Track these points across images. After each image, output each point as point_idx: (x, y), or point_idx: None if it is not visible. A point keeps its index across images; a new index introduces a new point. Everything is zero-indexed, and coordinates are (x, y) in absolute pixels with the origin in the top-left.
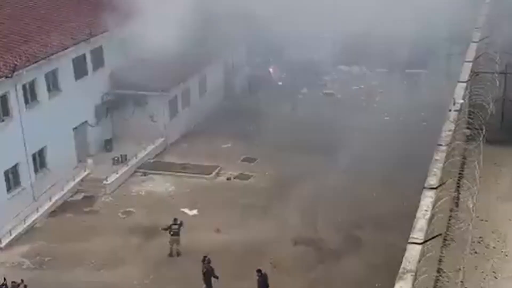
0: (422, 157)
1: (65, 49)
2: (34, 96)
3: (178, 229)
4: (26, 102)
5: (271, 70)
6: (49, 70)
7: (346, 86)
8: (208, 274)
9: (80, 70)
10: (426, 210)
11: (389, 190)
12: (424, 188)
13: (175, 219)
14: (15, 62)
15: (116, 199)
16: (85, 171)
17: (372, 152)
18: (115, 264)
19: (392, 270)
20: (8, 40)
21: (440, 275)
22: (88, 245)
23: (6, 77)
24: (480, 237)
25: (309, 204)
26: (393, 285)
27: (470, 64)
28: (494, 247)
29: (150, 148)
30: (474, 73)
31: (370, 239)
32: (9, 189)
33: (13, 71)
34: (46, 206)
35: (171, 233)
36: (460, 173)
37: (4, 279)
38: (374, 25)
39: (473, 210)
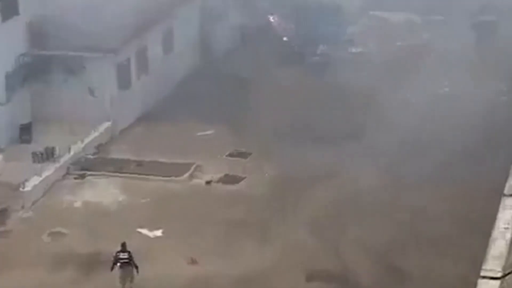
0: (499, 149)
1: None
2: None
3: (130, 258)
4: None
5: (272, 19)
6: None
7: (383, 41)
8: None
9: None
10: (507, 228)
11: (446, 196)
12: (504, 195)
13: (123, 245)
14: None
15: (38, 214)
16: None
17: (422, 140)
18: None
19: None
20: None
21: None
22: None
23: None
24: None
25: (327, 218)
26: None
27: None
28: None
29: (89, 137)
30: None
31: (418, 271)
32: None
33: None
34: None
35: (119, 264)
36: None
37: None
38: None
39: None
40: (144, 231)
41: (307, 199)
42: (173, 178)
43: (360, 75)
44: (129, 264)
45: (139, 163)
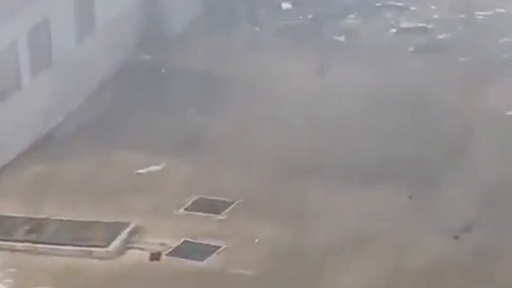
0: None
1: None
2: None
3: None
4: None
5: None
6: None
7: (446, 13)
8: None
9: None
10: None
11: None
12: None
13: None
14: None
15: None
16: None
17: None
18: None
19: None
20: None
21: None
22: None
23: None
24: None
25: None
26: None
27: None
28: None
29: None
30: None
31: None
32: None
33: None
34: None
35: None
36: None
37: None
38: None
39: None
40: None
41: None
42: (92, 250)
43: (412, 67)
44: None
45: (36, 225)
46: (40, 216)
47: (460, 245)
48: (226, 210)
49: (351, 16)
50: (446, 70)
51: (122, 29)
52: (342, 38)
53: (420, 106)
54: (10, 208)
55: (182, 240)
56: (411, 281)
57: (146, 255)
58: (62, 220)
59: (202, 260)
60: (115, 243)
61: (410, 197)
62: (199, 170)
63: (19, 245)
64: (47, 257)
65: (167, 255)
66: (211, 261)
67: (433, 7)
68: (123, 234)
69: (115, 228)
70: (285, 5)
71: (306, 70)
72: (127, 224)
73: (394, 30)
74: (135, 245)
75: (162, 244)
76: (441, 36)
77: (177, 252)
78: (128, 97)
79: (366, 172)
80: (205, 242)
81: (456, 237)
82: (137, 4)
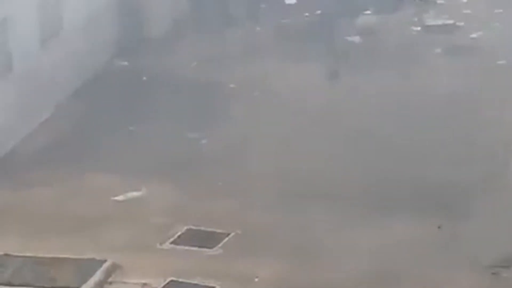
0: None
1: None
2: None
3: None
4: None
5: None
6: None
7: (479, 7)
8: None
9: None
10: None
11: None
12: None
13: None
14: None
15: None
16: None
17: None
18: None
19: None
20: None
21: None
22: None
23: None
24: None
25: None
26: None
27: None
28: None
29: None
30: None
31: None
32: None
33: None
34: None
35: None
36: None
37: None
38: None
39: None
40: None
41: None
42: None
43: (450, 72)
44: None
45: None
46: None
47: (500, 283)
48: (220, 244)
49: (367, 12)
50: (480, 75)
51: (95, 30)
52: (356, 39)
53: (450, 118)
54: None
55: (168, 280)
56: None
57: None
58: (25, 257)
59: None
60: (89, 284)
61: (439, 227)
62: (187, 197)
63: None
64: None
65: None
66: None
67: (464, 0)
68: (98, 274)
69: (88, 267)
70: (289, 0)
71: (314, 78)
72: (102, 262)
73: (418, 28)
74: (112, 287)
75: (144, 285)
76: (474, 35)
77: None
78: (103, 110)
79: (385, 198)
80: (195, 282)
81: (494, 274)
82: (112, 1)
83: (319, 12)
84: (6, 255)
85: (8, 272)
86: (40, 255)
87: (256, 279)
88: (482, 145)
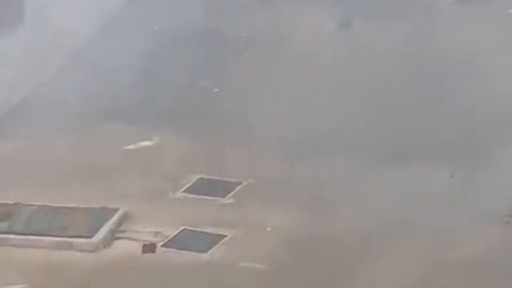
0: None
1: None
2: None
3: None
4: None
5: None
6: None
7: None
8: None
9: None
10: None
11: None
12: None
13: None
14: None
15: None
16: None
17: None
18: None
19: None
20: None
21: None
22: None
23: None
24: None
25: None
26: None
27: None
28: None
29: None
30: None
31: None
32: None
33: None
34: None
35: None
36: None
37: None
38: None
39: None
40: None
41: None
42: (74, 241)
43: None
44: None
45: (6, 213)
46: (11, 202)
47: None
48: (232, 193)
49: None
50: (496, 26)
51: None
52: None
53: (464, 70)
54: None
55: (180, 229)
56: (455, 274)
57: (138, 246)
58: (37, 206)
59: (204, 251)
60: (101, 233)
61: (451, 176)
62: (199, 146)
63: None
64: (20, 249)
65: (162, 246)
66: (215, 253)
67: None
68: (110, 222)
69: (100, 215)
70: None
71: (327, 27)
72: (114, 210)
73: None
74: (125, 235)
75: (156, 234)
76: None
77: (174, 242)
78: (112, 58)
79: (398, 149)
80: (207, 230)
81: (507, 223)
82: None
83: None
84: (17, 204)
85: (20, 221)
86: (52, 204)
87: (268, 228)
88: (494, 98)
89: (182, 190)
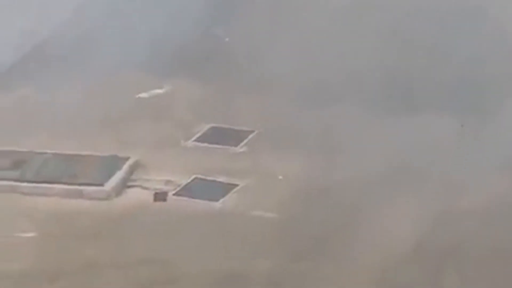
0: None
1: None
2: None
3: None
4: None
5: None
6: None
7: None
8: None
9: None
10: None
11: None
12: None
13: None
14: None
15: None
16: None
17: None
18: None
19: None
20: None
21: None
22: None
23: None
24: None
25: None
26: None
27: None
28: None
29: None
30: None
31: None
32: None
33: None
34: None
35: None
36: None
37: None
38: None
39: None
40: None
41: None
42: (85, 189)
43: None
44: None
45: (17, 161)
46: (22, 150)
47: None
48: (244, 141)
49: None
50: None
51: None
52: None
53: (475, 20)
54: None
55: (192, 177)
56: (464, 222)
57: (149, 195)
58: (49, 154)
59: (216, 200)
60: (112, 181)
61: (462, 126)
62: (211, 94)
63: None
64: (31, 198)
65: (174, 194)
66: (227, 202)
67: None
68: (122, 171)
69: (111, 163)
70: None
71: None
72: (126, 159)
73: None
74: (136, 184)
75: (168, 182)
76: None
77: (186, 191)
78: (124, 4)
79: (410, 97)
80: (219, 179)
81: None
82: None
83: None
84: (29, 152)
85: (31, 169)
86: (64, 152)
87: (280, 177)
88: (507, 46)
89: (193, 138)
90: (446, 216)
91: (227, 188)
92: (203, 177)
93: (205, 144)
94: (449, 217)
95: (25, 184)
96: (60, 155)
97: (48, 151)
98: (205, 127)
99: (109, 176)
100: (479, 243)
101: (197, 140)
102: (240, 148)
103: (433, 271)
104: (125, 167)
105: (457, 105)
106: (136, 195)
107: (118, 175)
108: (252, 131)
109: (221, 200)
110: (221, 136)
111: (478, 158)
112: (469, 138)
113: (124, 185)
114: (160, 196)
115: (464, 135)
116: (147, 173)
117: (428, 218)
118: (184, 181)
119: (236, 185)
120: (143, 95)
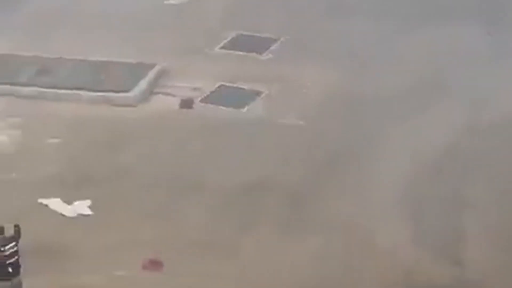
0: None
1: None
2: None
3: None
4: None
5: None
6: None
7: None
8: None
9: None
10: None
11: None
12: None
13: (16, 228)
14: None
15: None
16: None
17: None
18: None
19: None
20: None
21: None
22: None
23: None
24: None
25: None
26: None
27: None
28: None
29: None
30: None
31: None
32: None
33: None
34: None
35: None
36: None
37: None
38: None
39: None
40: (55, 202)
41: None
42: (112, 95)
43: None
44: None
45: (45, 67)
46: (50, 56)
47: None
48: (270, 49)
49: None
50: None
51: None
52: None
53: None
54: (15, 45)
55: (218, 84)
56: (490, 134)
57: (175, 101)
58: (76, 60)
59: (241, 107)
60: (139, 88)
61: (489, 34)
62: (237, 2)
63: (26, 89)
64: (59, 104)
65: (200, 101)
66: (252, 109)
67: None
68: (148, 77)
69: (138, 70)
70: None
71: None
72: (152, 66)
73: None
74: (162, 90)
75: (194, 89)
76: None
77: (212, 98)
78: None
79: (435, 9)
80: (245, 86)
81: None
82: None
83: None
84: (58, 58)
85: (60, 75)
86: (91, 59)
87: (309, 84)
88: None
89: (220, 46)
90: (472, 128)
91: (253, 95)
92: (228, 84)
93: (231, 51)
94: (476, 129)
95: (52, 90)
96: (86, 61)
97: (77, 57)
98: (231, 34)
99: (136, 83)
100: (504, 154)
101: (223, 47)
102: (267, 55)
103: (457, 183)
104: (152, 73)
105: (483, 16)
106: (162, 102)
107: (145, 82)
108: (278, 39)
109: (246, 108)
110: (246, 44)
111: (506, 68)
112: (497, 46)
113: (151, 91)
114: (186, 103)
115: (492, 43)
116: (173, 80)
117: (454, 131)
118: (210, 88)
119: (262, 93)
120: (172, 1)
